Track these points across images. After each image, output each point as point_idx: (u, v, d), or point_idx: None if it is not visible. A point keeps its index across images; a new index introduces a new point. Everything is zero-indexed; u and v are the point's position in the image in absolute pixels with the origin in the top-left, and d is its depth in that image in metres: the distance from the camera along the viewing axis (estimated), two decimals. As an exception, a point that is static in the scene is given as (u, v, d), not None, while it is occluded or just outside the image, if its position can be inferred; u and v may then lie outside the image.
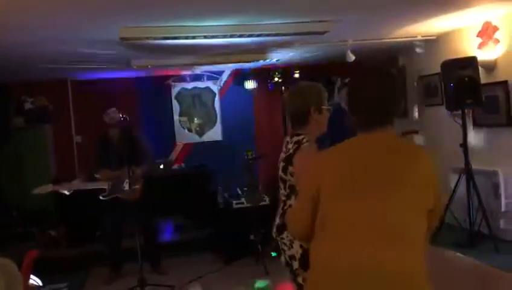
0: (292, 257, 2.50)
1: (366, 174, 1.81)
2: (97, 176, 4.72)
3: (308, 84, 2.85)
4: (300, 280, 2.47)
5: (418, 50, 5.95)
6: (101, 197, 4.59)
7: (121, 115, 5.00)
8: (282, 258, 2.59)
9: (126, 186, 4.76)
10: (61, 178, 6.70)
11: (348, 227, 1.77)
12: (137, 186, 4.87)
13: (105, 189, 4.69)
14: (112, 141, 5.03)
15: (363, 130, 1.90)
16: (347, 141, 1.94)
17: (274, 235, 2.63)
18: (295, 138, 2.62)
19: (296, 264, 2.49)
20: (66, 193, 4.58)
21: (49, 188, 4.52)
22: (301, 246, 2.43)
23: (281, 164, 2.61)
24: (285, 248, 2.54)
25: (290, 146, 2.60)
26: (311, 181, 1.94)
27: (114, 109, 5.02)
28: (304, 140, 2.57)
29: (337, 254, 1.77)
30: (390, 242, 1.72)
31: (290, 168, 2.54)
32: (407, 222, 1.76)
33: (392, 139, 1.91)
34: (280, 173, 2.62)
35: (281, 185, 2.62)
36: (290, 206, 2.55)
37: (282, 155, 2.63)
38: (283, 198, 2.63)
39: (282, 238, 2.55)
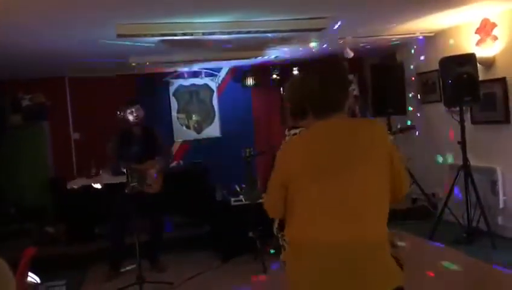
0: None
1: (333, 155, 1.94)
2: (124, 170, 4.70)
3: None
4: None
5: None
6: (126, 191, 4.52)
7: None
8: (282, 256, 2.55)
9: (149, 180, 4.85)
10: (59, 176, 6.73)
11: (322, 206, 1.91)
12: (157, 181, 4.98)
13: (127, 183, 4.58)
14: (134, 137, 5.03)
15: (318, 118, 2.03)
16: (308, 129, 2.09)
17: (275, 231, 2.60)
18: (292, 131, 2.56)
19: None
20: (99, 186, 4.58)
21: (82, 181, 4.53)
22: None
23: None
24: (286, 245, 2.49)
25: (287, 139, 2.56)
26: (280, 169, 2.05)
27: (138, 106, 5.04)
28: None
29: (312, 232, 1.92)
30: (362, 216, 1.89)
31: None
32: (374, 195, 1.92)
33: (348, 121, 2.06)
34: None
35: None
36: None
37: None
38: None
39: (283, 235, 2.48)
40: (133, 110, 4.98)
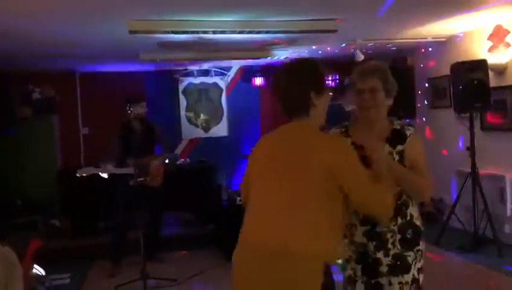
0: None
1: (273, 161, 1.97)
2: (128, 161, 4.86)
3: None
4: None
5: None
6: (130, 183, 4.62)
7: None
8: None
9: (153, 173, 4.94)
10: (67, 170, 6.76)
11: (258, 209, 1.95)
12: (160, 174, 5.07)
13: (132, 175, 4.69)
14: (134, 132, 5.14)
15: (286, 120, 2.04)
16: (273, 131, 2.09)
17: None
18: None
19: None
20: (105, 176, 4.70)
21: (92, 170, 4.63)
22: None
23: None
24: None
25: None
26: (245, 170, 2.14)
27: (144, 103, 5.20)
28: None
29: (250, 232, 1.94)
30: (286, 222, 1.85)
31: None
32: (299, 205, 1.86)
33: (300, 129, 2.00)
34: None
35: None
36: None
37: None
38: None
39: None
40: (141, 107, 5.12)
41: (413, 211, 2.26)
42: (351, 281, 2.31)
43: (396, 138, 2.24)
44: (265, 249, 1.84)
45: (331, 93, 2.06)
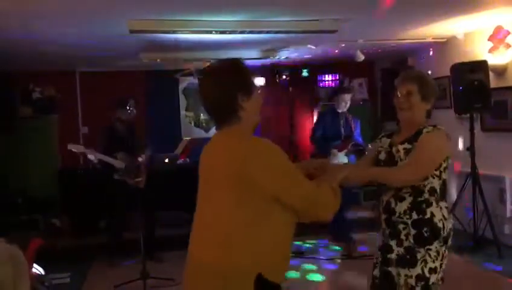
0: None
1: (202, 173, 1.99)
2: (116, 155, 4.93)
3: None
4: None
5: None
6: (115, 177, 4.79)
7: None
8: None
9: (138, 173, 4.98)
10: (67, 169, 6.77)
11: (195, 221, 1.98)
12: (141, 176, 5.04)
13: (119, 169, 4.86)
14: (119, 132, 5.18)
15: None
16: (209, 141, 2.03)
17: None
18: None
19: None
20: (93, 158, 4.84)
21: (81, 148, 4.85)
22: None
23: None
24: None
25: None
26: None
27: (132, 102, 5.21)
28: None
29: (190, 243, 1.95)
30: (205, 238, 1.87)
31: None
32: (217, 218, 1.84)
33: (224, 139, 1.91)
34: None
35: None
36: None
37: None
38: None
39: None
40: (132, 108, 5.16)
41: (436, 211, 2.34)
42: (374, 265, 2.50)
43: (416, 137, 2.37)
44: (194, 261, 1.88)
45: (259, 91, 1.94)
